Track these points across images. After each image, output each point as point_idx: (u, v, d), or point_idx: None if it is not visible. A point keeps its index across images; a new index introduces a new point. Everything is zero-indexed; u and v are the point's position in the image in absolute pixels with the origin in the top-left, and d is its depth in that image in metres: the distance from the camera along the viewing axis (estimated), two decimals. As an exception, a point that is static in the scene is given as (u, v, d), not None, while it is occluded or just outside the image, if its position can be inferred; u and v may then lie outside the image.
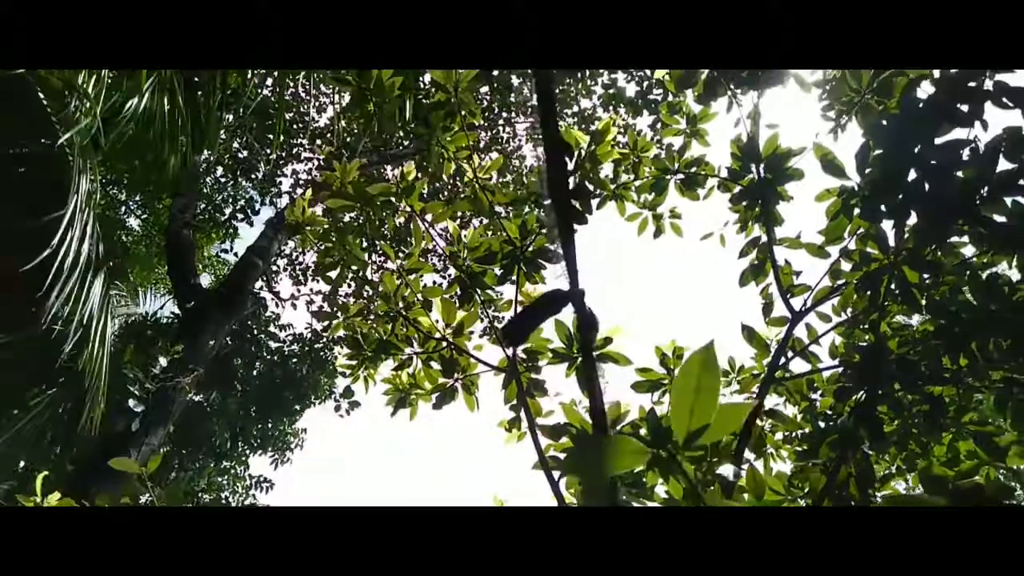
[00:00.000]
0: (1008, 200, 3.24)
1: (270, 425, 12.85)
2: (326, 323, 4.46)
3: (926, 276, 3.31)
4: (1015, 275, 3.21)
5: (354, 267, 4.27)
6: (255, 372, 13.02)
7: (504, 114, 14.46)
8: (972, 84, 3.26)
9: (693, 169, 4.32)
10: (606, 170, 4.39)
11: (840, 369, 3.43)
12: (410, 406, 4.19)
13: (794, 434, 3.71)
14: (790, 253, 3.75)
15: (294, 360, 12.93)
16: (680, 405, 0.79)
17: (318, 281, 14.11)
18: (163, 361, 10.74)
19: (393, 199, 3.78)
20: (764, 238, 3.76)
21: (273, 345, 13.22)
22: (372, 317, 4.45)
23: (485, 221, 10.30)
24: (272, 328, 13.46)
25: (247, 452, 12.97)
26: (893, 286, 3.32)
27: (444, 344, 3.92)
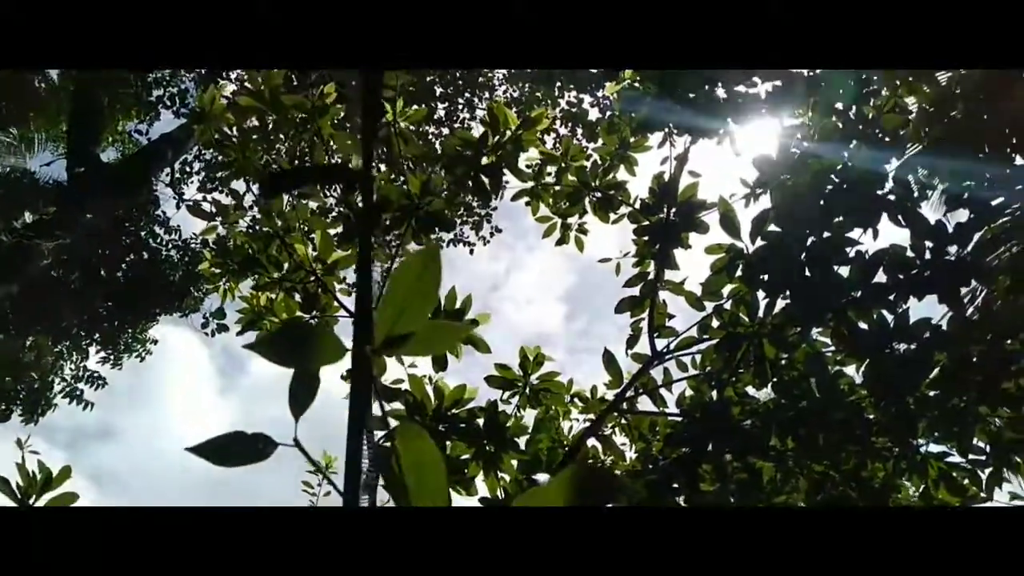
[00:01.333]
0: (874, 312, 3.41)
1: (123, 324, 12.11)
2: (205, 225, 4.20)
3: (783, 355, 3.43)
4: (858, 379, 3.37)
5: (247, 176, 4.05)
6: (124, 265, 12.25)
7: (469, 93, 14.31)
8: (879, 192, 3.42)
9: (611, 192, 4.35)
10: (535, 165, 4.35)
11: (680, 418, 3.50)
12: (258, 331, 3.99)
13: (617, 465, 3.75)
14: (670, 297, 3.82)
15: (169, 266, 12.24)
16: (389, 303, 0.71)
17: (225, 193, 13.45)
18: (29, 218, 9.94)
19: (306, 115, 3.60)
20: (652, 275, 3.81)
21: (152, 243, 12.48)
22: (250, 230, 4.22)
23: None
24: (157, 227, 12.72)
25: (90, 342, 12.17)
26: (751, 355, 3.42)
27: (311, 278, 3.75)
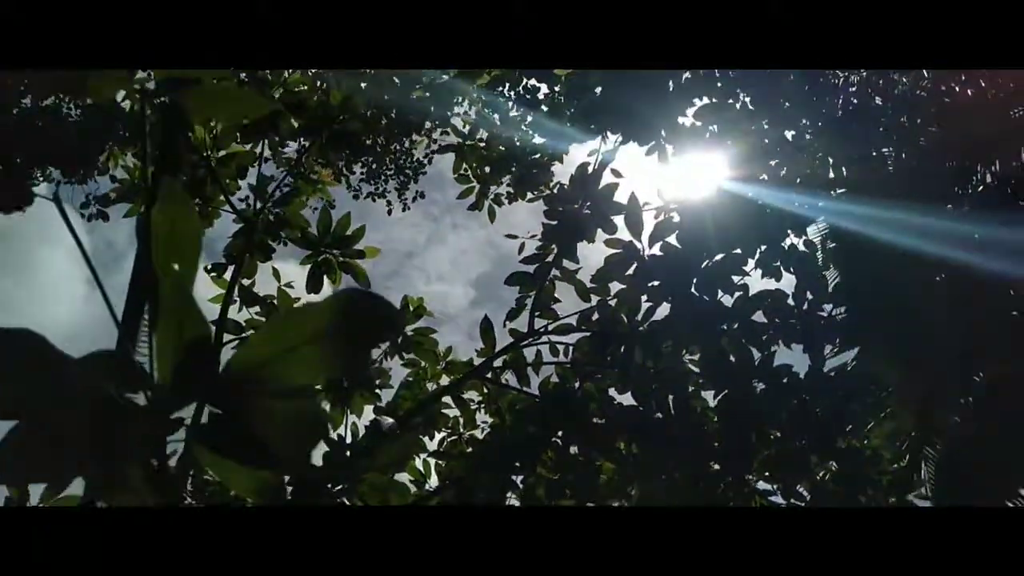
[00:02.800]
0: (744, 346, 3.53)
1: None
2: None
3: (650, 364, 3.49)
4: (712, 403, 3.48)
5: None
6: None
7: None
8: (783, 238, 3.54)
9: (535, 171, 4.32)
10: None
11: (538, 400, 3.50)
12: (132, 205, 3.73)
13: (467, 432, 3.74)
14: (563, 286, 3.82)
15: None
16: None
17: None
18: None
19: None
20: (551, 259, 3.80)
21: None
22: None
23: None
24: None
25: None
26: (620, 356, 3.46)
27: (202, 165, 3.53)
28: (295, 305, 2.96)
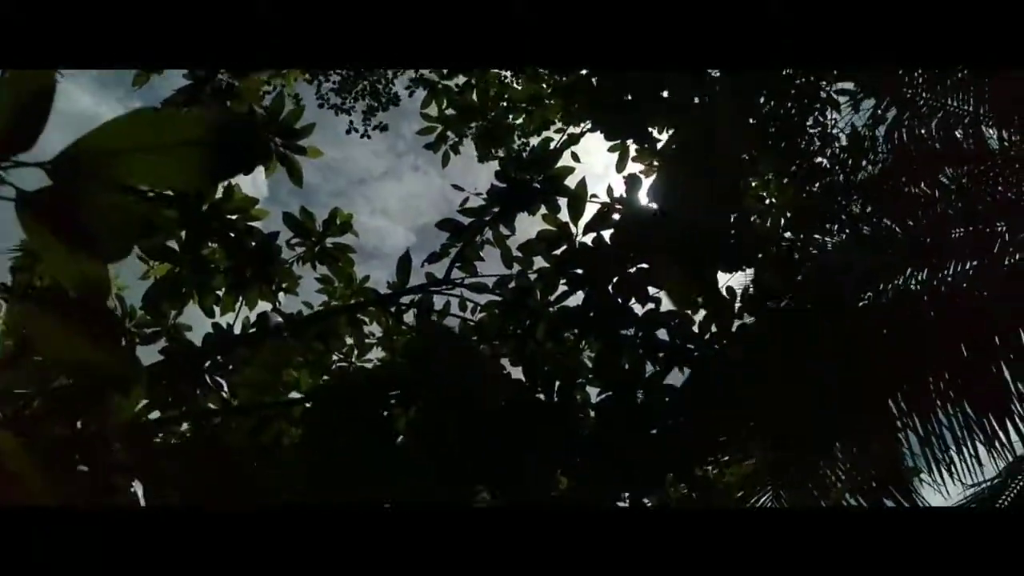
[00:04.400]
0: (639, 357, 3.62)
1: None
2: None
3: (549, 348, 3.55)
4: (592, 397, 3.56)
5: None
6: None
7: None
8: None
9: (498, 134, 4.30)
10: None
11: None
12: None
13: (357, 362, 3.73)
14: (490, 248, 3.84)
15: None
16: None
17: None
18: None
19: None
20: (488, 219, 3.81)
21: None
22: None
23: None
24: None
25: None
26: (523, 331, 3.51)
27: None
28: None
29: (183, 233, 3.28)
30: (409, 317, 4.11)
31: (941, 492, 4.42)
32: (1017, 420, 5.56)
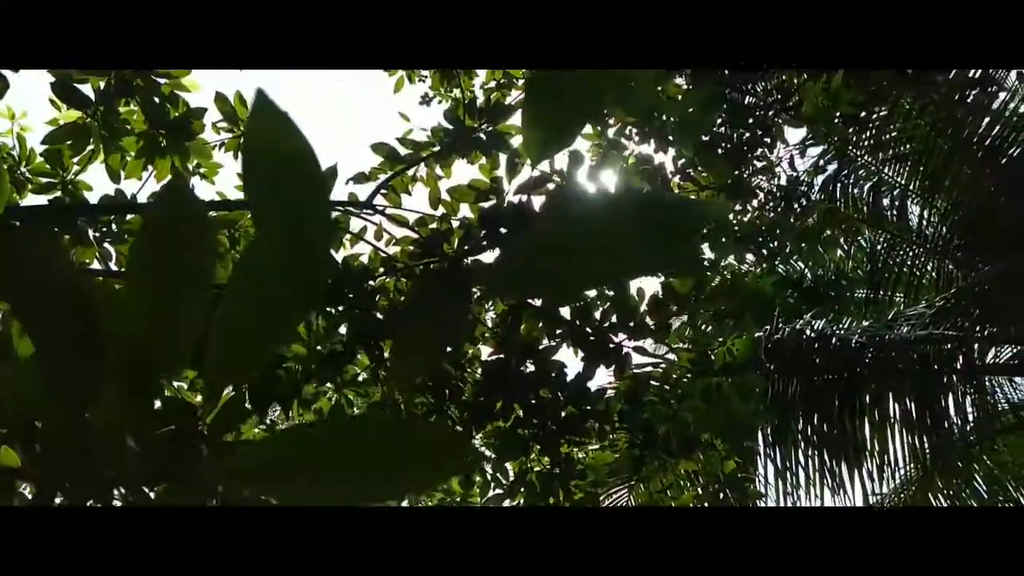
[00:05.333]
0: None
1: None
2: None
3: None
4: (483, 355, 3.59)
5: None
6: None
7: None
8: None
9: (458, 71, 4.22)
10: None
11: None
12: None
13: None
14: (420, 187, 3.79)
15: None
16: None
17: None
18: None
19: None
20: (426, 155, 3.76)
21: None
22: None
23: None
24: None
25: None
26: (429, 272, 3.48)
27: None
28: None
29: (101, 82, 3.07)
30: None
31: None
32: (864, 474, 5.97)
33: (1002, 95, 6.22)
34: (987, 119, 6.30)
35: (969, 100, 6.05)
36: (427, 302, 0.59)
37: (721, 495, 3.42)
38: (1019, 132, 6.29)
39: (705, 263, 3.93)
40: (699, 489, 3.55)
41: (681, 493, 3.52)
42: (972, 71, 5.77)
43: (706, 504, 3.60)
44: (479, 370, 3.55)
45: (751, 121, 5.45)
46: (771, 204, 5.78)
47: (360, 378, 3.53)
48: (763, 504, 5.17)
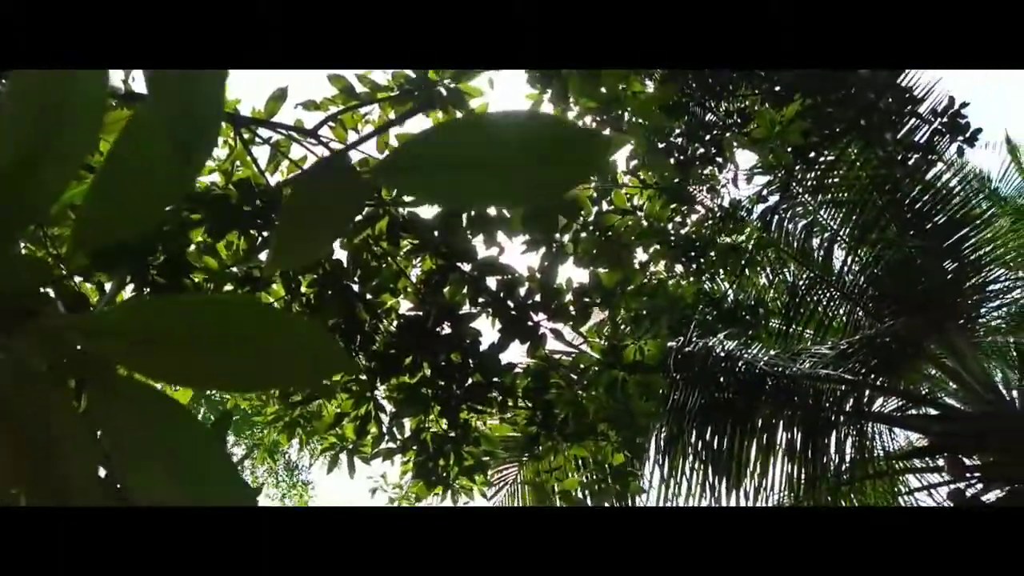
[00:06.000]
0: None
1: None
2: None
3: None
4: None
5: None
6: None
7: None
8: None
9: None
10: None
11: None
12: None
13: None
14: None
15: None
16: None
17: None
18: None
19: None
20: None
21: None
22: None
23: None
24: None
25: None
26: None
27: None
28: None
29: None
30: (261, 153, 3.88)
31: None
32: (741, 494, 6.24)
33: (940, 165, 6.56)
34: (920, 186, 6.63)
35: (910, 163, 6.33)
36: (315, 187, 0.58)
37: (604, 485, 3.52)
38: (946, 204, 6.65)
39: (636, 264, 4.02)
40: (586, 476, 3.63)
41: (566, 476, 3.60)
42: (923, 133, 6.02)
43: (588, 493, 3.71)
44: (395, 322, 3.52)
45: (707, 138, 5.57)
46: (710, 221, 5.93)
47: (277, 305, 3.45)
48: (643, 503, 5.35)
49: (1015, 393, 6.22)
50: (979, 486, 5.94)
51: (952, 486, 6.15)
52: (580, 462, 3.63)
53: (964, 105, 5.83)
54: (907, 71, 6.17)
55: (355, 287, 3.52)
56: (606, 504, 3.47)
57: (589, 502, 4.56)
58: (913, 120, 6.08)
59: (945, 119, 5.82)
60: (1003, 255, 6.65)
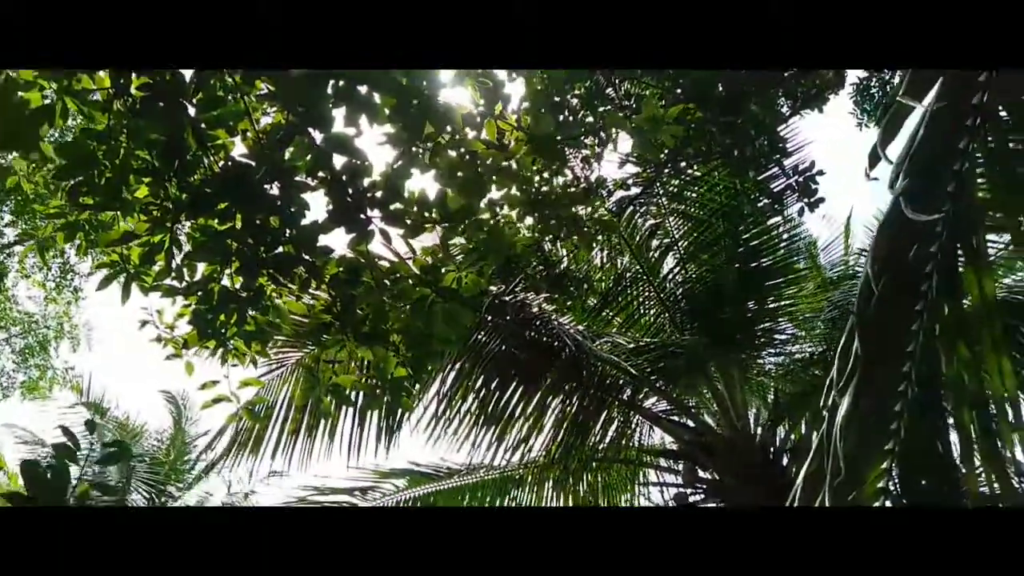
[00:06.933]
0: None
1: None
2: None
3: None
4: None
5: None
6: None
7: None
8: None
9: None
10: None
11: None
12: None
13: None
14: None
15: None
16: None
17: None
18: None
19: None
20: None
21: None
22: None
23: None
24: None
25: None
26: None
27: None
28: None
29: None
30: None
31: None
32: (503, 446, 6.59)
33: (780, 218, 7.13)
34: (758, 228, 7.19)
35: (758, 204, 6.83)
36: None
37: (378, 392, 3.54)
38: (773, 252, 7.28)
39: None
40: (364, 379, 3.63)
41: (343, 372, 3.58)
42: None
43: (360, 394, 3.72)
44: (222, 162, 3.27)
45: (600, 109, 5.64)
46: (572, 188, 6.06)
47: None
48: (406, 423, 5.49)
49: (759, 430, 7.05)
50: (700, 496, 6.71)
51: (680, 490, 6.90)
52: (363, 363, 3.61)
53: (820, 173, 6.35)
54: (798, 117, 6.59)
55: (191, 110, 3.21)
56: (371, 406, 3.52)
57: (359, 402, 4.60)
58: (775, 168, 6.55)
59: (800, 179, 6.32)
60: (796, 313, 7.42)
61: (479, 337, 6.15)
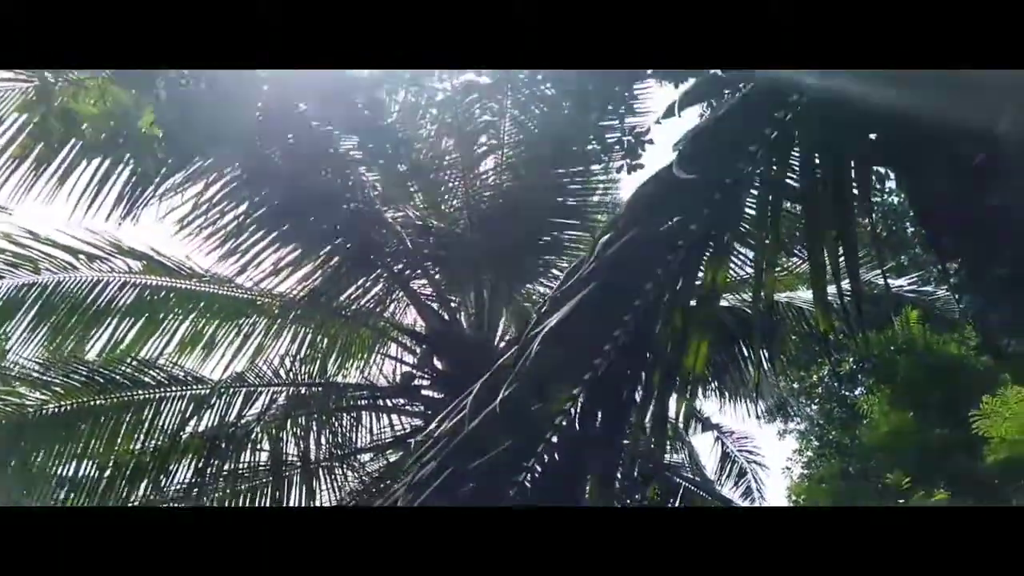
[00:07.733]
0: None
1: None
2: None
3: None
4: None
5: None
6: None
7: None
8: None
9: None
10: None
11: None
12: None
13: None
14: None
15: None
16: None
17: None
18: None
19: None
20: None
21: None
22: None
23: None
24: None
25: None
26: None
27: None
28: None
29: None
30: None
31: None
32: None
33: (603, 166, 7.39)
34: (579, 167, 7.40)
35: (588, 147, 6.98)
36: None
37: (120, 141, 3.14)
38: (587, 184, 7.56)
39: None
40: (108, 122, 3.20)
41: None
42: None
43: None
44: None
45: None
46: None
47: None
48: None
49: (501, 344, 7.42)
50: (427, 382, 7.01)
51: (412, 370, 7.12)
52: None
53: (649, 142, 6.58)
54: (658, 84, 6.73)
55: None
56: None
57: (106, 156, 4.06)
58: (615, 120, 6.69)
59: (631, 139, 6.51)
60: (577, 257, 7.83)
61: (271, 154, 5.73)
